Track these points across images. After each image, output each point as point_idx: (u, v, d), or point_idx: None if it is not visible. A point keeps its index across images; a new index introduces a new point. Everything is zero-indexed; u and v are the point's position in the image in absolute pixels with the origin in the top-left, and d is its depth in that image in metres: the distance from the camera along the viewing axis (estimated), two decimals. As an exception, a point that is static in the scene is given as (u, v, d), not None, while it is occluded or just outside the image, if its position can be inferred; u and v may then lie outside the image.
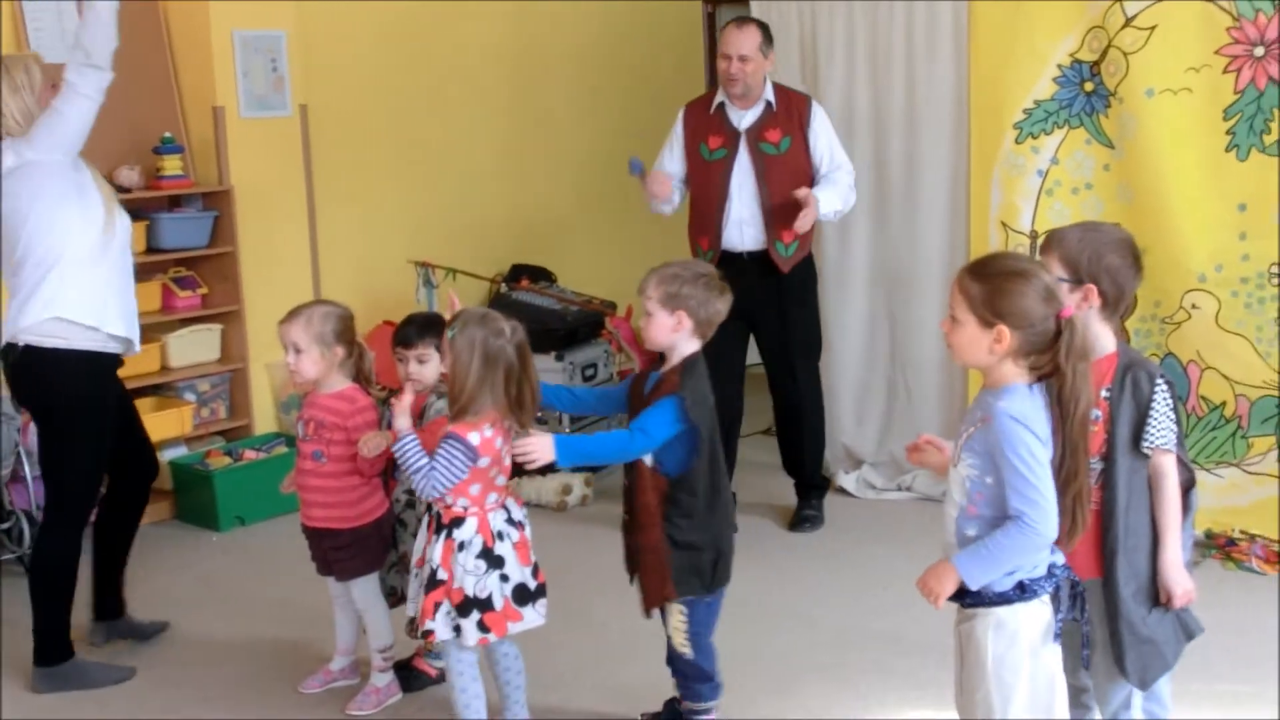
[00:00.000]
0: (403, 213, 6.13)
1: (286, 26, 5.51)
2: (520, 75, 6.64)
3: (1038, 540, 2.36)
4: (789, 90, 4.83)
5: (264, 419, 5.58)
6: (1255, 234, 4.41)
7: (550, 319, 5.78)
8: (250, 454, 5.27)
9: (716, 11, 7.56)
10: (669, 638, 3.19)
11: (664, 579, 3.06)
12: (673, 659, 3.21)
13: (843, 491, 5.32)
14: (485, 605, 3.04)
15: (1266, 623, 3.93)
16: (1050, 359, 2.38)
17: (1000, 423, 2.36)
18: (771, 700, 3.57)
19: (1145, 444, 2.62)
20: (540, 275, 6.44)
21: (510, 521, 3.12)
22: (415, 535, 3.53)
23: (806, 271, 4.89)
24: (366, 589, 3.54)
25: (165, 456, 5.23)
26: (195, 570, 4.73)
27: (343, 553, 3.48)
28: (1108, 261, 2.66)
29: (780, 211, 4.64)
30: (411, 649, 3.70)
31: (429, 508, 3.14)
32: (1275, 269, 4.39)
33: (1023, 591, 2.42)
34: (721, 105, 4.75)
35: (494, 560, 3.05)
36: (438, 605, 3.04)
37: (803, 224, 4.55)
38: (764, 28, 4.74)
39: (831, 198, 4.65)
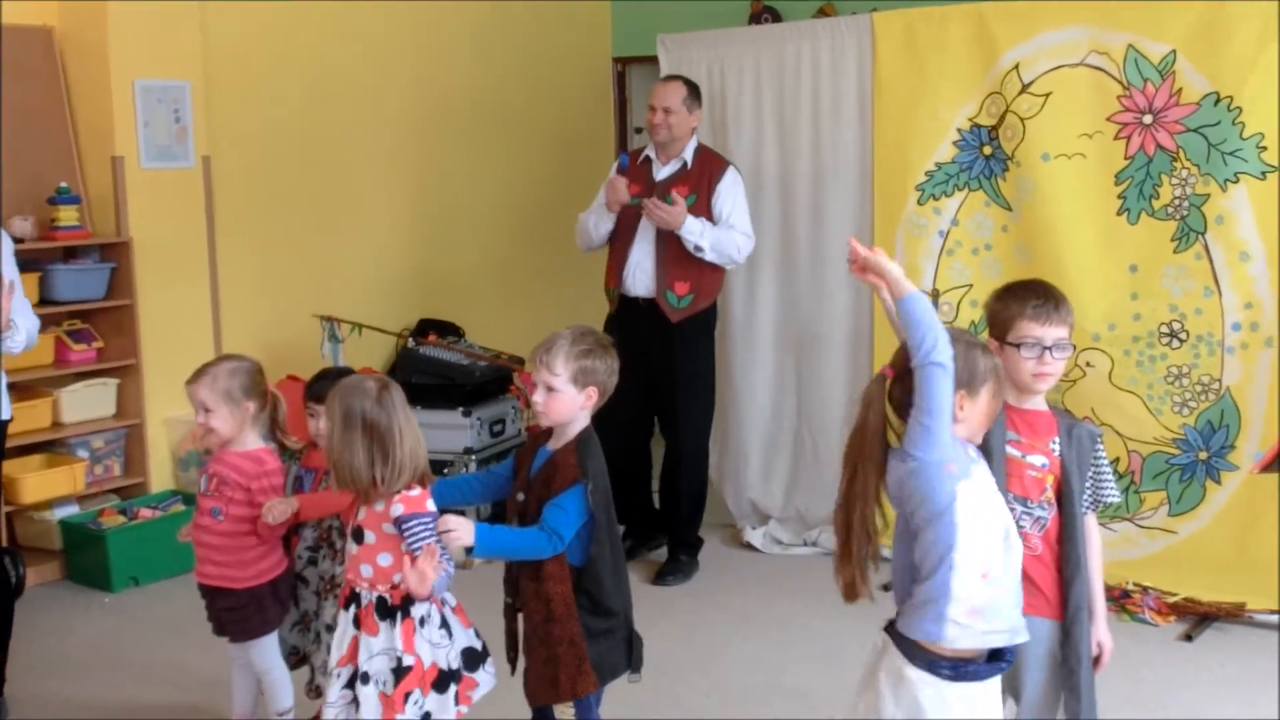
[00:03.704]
0: (307, 266, 6.06)
1: (191, 77, 5.44)
2: (428, 128, 6.64)
3: None
4: (711, 154, 4.97)
5: (161, 476, 5.44)
6: (1146, 294, 4.55)
7: (458, 374, 5.74)
8: (146, 512, 5.13)
9: (627, 70, 7.64)
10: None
11: (584, 671, 2.87)
12: None
13: (749, 547, 5.34)
14: (457, 676, 2.84)
15: (1160, 672, 4.02)
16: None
17: None
18: (680, 759, 3.54)
19: (1107, 500, 2.76)
20: (448, 330, 6.40)
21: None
22: (318, 594, 3.48)
23: (700, 327, 4.95)
24: (265, 650, 3.45)
25: (56, 515, 5.08)
26: (85, 633, 4.57)
27: (236, 613, 3.39)
28: None
29: (673, 264, 4.78)
30: (312, 710, 3.61)
31: (355, 598, 2.86)
32: (1164, 328, 4.54)
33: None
34: (648, 159, 4.95)
35: (450, 629, 2.86)
36: (408, 695, 2.78)
37: (652, 207, 4.70)
38: (690, 85, 4.91)
39: (705, 230, 4.74)
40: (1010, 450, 2.70)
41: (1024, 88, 4.65)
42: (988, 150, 4.81)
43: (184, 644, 4.28)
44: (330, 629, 3.40)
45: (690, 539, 5.11)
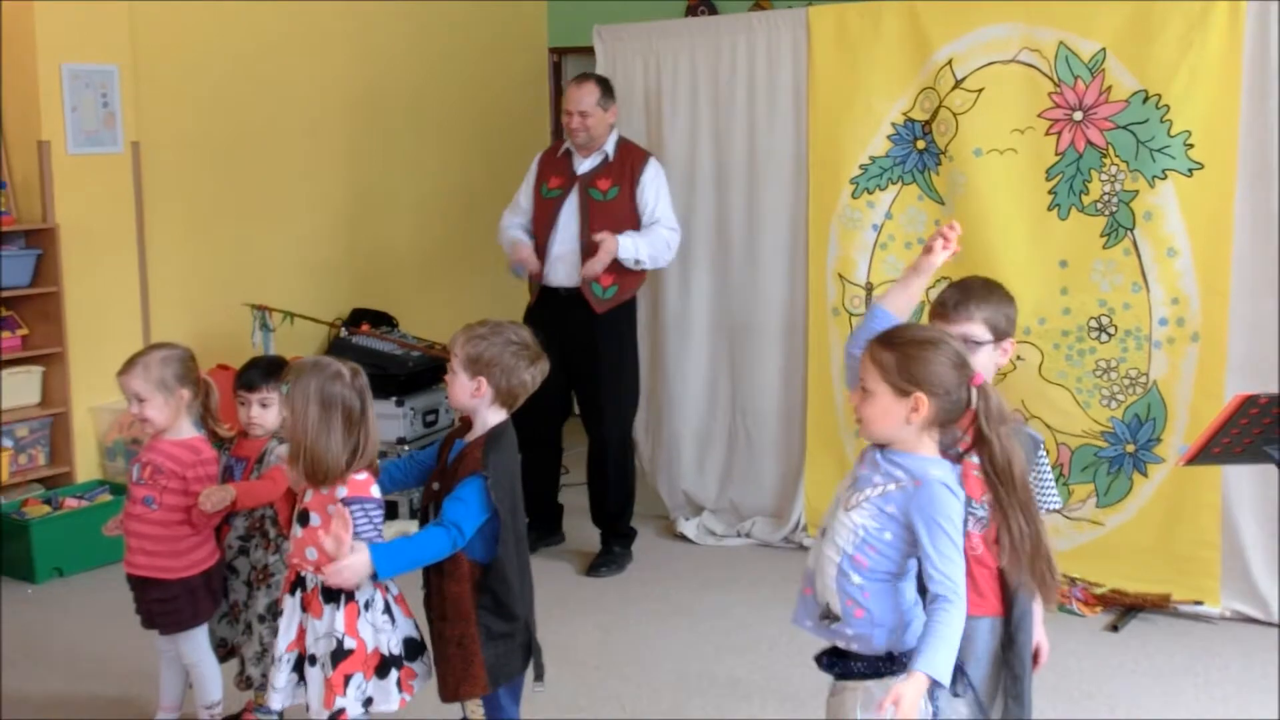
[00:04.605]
0: (239, 254, 5.98)
1: (119, 61, 5.34)
2: (362, 117, 6.58)
3: (964, 611, 2.32)
4: (632, 146, 5.01)
5: (87, 466, 5.35)
6: (1075, 289, 4.61)
7: (391, 364, 5.70)
8: (71, 502, 5.04)
9: (563, 60, 7.62)
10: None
11: (473, 674, 2.80)
12: None
13: (683, 538, 5.35)
14: (398, 663, 2.82)
15: (1087, 662, 4.09)
16: (966, 429, 2.36)
17: (934, 489, 2.32)
18: (613, 749, 3.55)
19: (1049, 506, 2.72)
20: (381, 320, 6.35)
21: None
22: (249, 583, 3.44)
23: (623, 316, 4.98)
24: (195, 642, 3.40)
25: (-22, 505, 4.99)
26: (8, 625, 4.47)
27: (168, 605, 3.34)
28: (1011, 320, 2.82)
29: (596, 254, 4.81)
30: (241, 702, 3.57)
31: (300, 582, 2.83)
32: (1093, 323, 4.61)
33: (892, 663, 2.38)
34: (568, 151, 4.97)
35: (393, 615, 2.83)
36: (349, 678, 2.75)
37: (592, 267, 4.76)
38: (603, 82, 4.94)
39: (638, 244, 4.82)
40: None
41: (957, 83, 4.70)
42: (921, 145, 4.85)
43: (110, 636, 4.21)
44: (262, 620, 3.38)
45: (622, 530, 5.12)
